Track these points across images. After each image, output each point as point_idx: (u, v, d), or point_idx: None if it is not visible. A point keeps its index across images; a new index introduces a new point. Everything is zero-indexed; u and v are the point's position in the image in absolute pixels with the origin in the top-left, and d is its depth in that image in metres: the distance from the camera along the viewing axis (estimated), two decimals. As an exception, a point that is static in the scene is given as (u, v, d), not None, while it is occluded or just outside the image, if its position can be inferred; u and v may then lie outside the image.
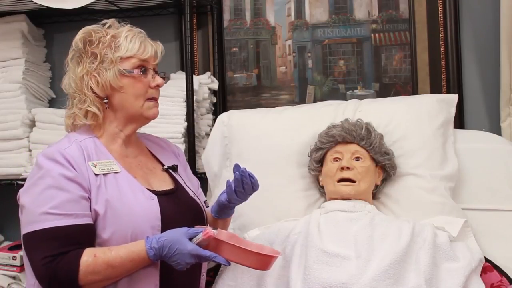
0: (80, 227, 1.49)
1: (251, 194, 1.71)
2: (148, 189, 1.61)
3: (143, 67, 1.64)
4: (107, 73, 1.60)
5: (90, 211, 1.52)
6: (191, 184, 1.78)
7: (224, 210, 1.76)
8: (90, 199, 1.52)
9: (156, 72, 1.69)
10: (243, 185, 1.65)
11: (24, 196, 1.53)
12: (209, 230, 1.46)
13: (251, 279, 1.81)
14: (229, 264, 1.51)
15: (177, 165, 1.76)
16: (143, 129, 1.79)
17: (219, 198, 1.75)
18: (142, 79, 1.64)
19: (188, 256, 1.46)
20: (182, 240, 1.46)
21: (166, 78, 1.75)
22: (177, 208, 1.62)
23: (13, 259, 2.33)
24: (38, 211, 1.48)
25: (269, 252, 1.56)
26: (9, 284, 2.35)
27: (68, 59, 1.68)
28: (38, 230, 1.47)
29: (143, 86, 1.64)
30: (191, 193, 1.72)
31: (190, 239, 1.47)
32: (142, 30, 1.70)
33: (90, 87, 1.61)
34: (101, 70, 1.61)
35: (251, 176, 1.65)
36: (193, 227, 1.51)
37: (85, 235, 1.50)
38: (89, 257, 1.46)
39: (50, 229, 1.47)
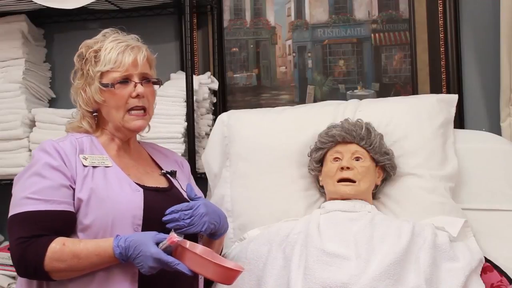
0: (57, 213, 1.52)
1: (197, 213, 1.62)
2: (136, 183, 1.62)
3: (124, 79, 1.65)
4: (91, 88, 1.65)
5: (73, 200, 1.55)
6: None
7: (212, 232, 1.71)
8: (73, 189, 1.56)
9: (145, 78, 1.68)
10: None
11: (14, 185, 1.60)
12: (173, 236, 1.46)
13: (251, 279, 1.81)
14: (191, 274, 1.48)
15: (176, 171, 1.77)
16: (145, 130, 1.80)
17: None
18: (120, 91, 1.65)
19: (150, 260, 1.46)
20: (148, 243, 1.47)
21: (159, 83, 1.75)
22: (165, 203, 1.61)
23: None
24: (20, 196, 1.55)
25: (233, 266, 1.54)
26: (9, 284, 2.35)
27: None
28: (17, 213, 1.53)
29: (123, 98, 1.65)
30: (185, 195, 1.71)
31: (158, 244, 1.47)
32: (131, 37, 1.71)
33: (81, 102, 1.68)
34: (86, 86, 1.67)
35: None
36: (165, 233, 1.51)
37: (62, 221, 1.53)
38: (57, 244, 1.49)
39: (27, 212, 1.52)
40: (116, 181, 1.60)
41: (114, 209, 1.54)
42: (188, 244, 1.51)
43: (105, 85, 1.64)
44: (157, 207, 1.59)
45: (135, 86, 1.66)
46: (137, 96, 1.66)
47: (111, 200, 1.55)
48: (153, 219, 1.57)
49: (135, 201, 1.57)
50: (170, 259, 1.46)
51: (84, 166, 1.58)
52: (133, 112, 1.66)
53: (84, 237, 1.54)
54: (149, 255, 1.46)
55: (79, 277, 1.52)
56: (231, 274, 1.50)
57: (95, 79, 1.65)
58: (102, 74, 1.65)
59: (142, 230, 1.55)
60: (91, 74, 1.65)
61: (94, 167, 1.59)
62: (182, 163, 1.88)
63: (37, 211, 1.51)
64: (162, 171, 1.75)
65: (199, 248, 1.54)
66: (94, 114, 1.68)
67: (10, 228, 1.55)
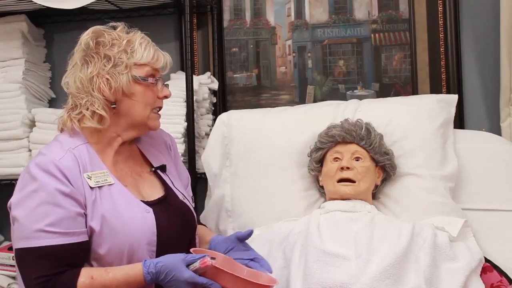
0: (77, 245, 1.47)
1: None
2: (142, 201, 1.58)
3: (154, 76, 1.62)
4: (121, 77, 1.56)
5: (86, 227, 1.50)
6: (180, 183, 1.75)
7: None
8: (85, 215, 1.50)
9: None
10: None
11: (17, 209, 1.49)
12: (207, 260, 1.45)
13: (251, 279, 1.81)
14: None
15: (165, 165, 1.72)
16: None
17: (218, 247, 1.68)
18: (153, 88, 1.62)
19: (184, 284, 1.44)
20: (179, 267, 1.45)
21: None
22: (170, 217, 1.60)
23: (13, 259, 2.33)
24: (32, 227, 1.45)
25: (266, 280, 1.55)
26: (9, 284, 2.35)
27: (75, 57, 1.62)
28: (33, 247, 1.45)
29: (153, 95, 1.62)
30: (180, 196, 1.69)
31: (188, 265, 1.46)
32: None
33: (101, 89, 1.56)
34: (114, 73, 1.56)
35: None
36: (191, 253, 1.50)
37: (81, 253, 1.49)
38: (86, 279, 1.45)
39: (46, 247, 1.44)
40: (124, 203, 1.54)
41: (128, 238, 1.51)
42: (214, 261, 1.51)
43: (144, 79, 1.59)
44: (165, 225, 1.57)
45: (161, 87, 1.64)
46: (164, 97, 1.65)
47: (124, 228, 1.51)
48: (164, 240, 1.55)
49: (148, 226, 1.54)
50: (204, 280, 1.45)
51: (91, 188, 1.52)
52: (157, 111, 1.65)
53: (98, 266, 1.51)
54: (183, 280, 1.44)
55: None
56: None
57: (130, 69, 1.57)
58: (135, 66, 1.59)
59: (157, 253, 1.54)
60: (126, 63, 1.57)
61: (99, 187, 1.53)
62: (171, 144, 1.83)
63: (57, 245, 1.45)
64: (152, 169, 1.70)
65: (220, 259, 1.54)
66: (113, 106, 1.57)
67: (25, 263, 1.47)
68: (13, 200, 1.51)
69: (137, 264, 1.48)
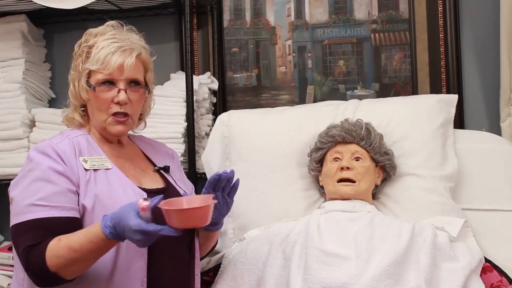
0: (65, 220, 1.48)
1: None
2: (138, 187, 1.60)
3: (107, 82, 1.59)
4: (79, 84, 1.62)
5: (78, 206, 1.51)
6: (183, 185, 1.75)
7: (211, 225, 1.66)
8: (78, 194, 1.52)
9: (134, 82, 1.62)
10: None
11: (13, 189, 1.53)
12: (140, 202, 1.35)
13: (250, 279, 1.81)
14: (178, 234, 1.38)
15: (169, 166, 1.74)
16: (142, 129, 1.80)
17: None
18: (103, 95, 1.59)
19: (132, 232, 1.35)
20: (128, 215, 1.36)
21: (148, 89, 1.67)
22: None
23: (13, 259, 2.33)
24: (24, 202, 1.48)
25: (203, 201, 1.45)
26: (9, 284, 2.35)
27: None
28: (23, 221, 1.47)
29: (105, 102, 1.60)
30: (182, 192, 1.69)
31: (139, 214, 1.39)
32: (131, 36, 1.65)
33: (69, 94, 1.66)
34: (75, 79, 1.63)
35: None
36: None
37: (70, 228, 1.47)
38: (53, 241, 1.45)
39: (35, 220, 1.46)
40: (119, 185, 1.56)
41: None
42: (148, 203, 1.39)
43: (89, 85, 1.60)
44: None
45: (118, 91, 1.60)
46: (118, 102, 1.60)
47: (117, 207, 1.47)
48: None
49: None
50: (150, 227, 1.35)
51: (86, 170, 1.54)
52: (114, 116, 1.61)
53: None
54: (129, 228, 1.35)
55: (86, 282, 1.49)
56: (206, 211, 1.40)
57: (82, 76, 1.60)
58: (90, 73, 1.60)
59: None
60: (79, 70, 1.61)
61: (95, 170, 1.55)
62: (173, 154, 1.85)
63: (46, 218, 1.46)
64: (156, 167, 1.72)
65: (167, 201, 1.43)
66: (82, 109, 1.65)
67: (16, 238, 1.49)
68: (12, 182, 1.56)
69: (98, 222, 1.44)
